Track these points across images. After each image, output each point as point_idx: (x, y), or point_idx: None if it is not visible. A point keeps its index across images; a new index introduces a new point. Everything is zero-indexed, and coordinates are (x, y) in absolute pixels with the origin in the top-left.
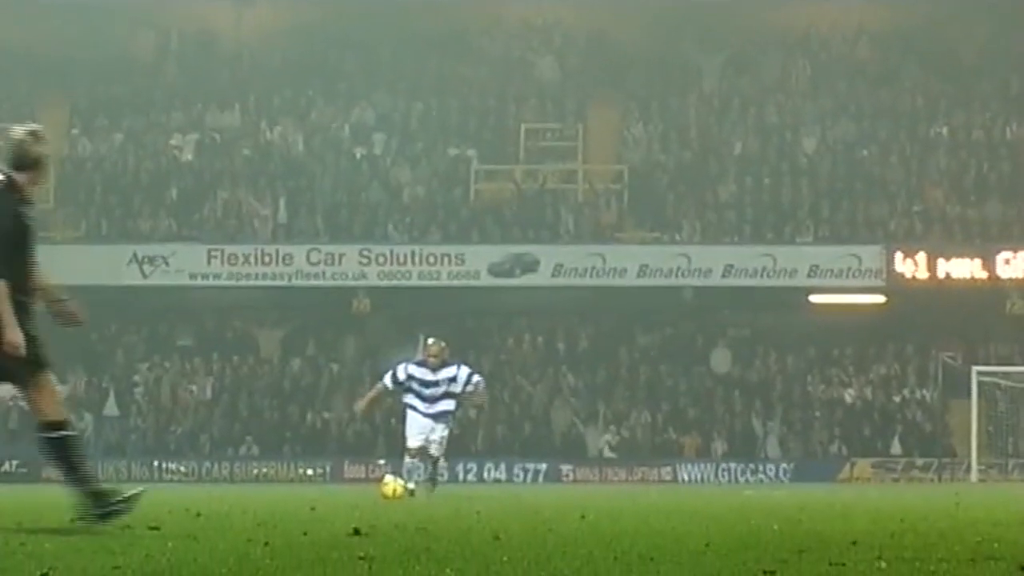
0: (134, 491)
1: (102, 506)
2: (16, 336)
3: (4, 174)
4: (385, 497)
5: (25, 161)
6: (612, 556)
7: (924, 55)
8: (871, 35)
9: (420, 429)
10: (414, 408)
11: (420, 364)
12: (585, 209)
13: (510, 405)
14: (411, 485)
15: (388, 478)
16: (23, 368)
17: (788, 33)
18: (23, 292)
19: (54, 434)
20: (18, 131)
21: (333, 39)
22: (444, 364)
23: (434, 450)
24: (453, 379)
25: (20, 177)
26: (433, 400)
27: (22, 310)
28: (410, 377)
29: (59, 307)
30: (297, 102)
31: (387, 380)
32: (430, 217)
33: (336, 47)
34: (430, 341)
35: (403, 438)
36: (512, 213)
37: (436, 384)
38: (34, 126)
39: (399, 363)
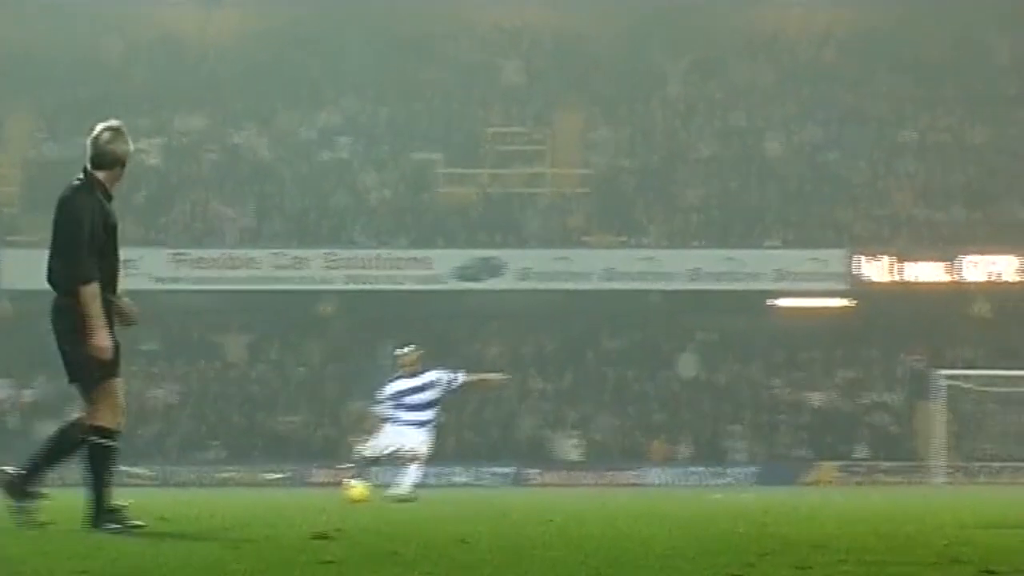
0: (137, 522)
1: (104, 519)
2: (104, 339)
3: (84, 172)
4: (351, 501)
5: (106, 159)
6: (579, 560)
7: (890, 59)
8: (838, 39)
9: (387, 440)
10: (392, 418)
11: (400, 378)
12: (551, 213)
13: (477, 409)
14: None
15: (354, 482)
16: (97, 369)
17: (754, 37)
18: (112, 292)
19: (102, 440)
20: (99, 129)
21: (299, 43)
22: (423, 370)
23: (418, 454)
24: (433, 384)
25: (101, 175)
26: (419, 407)
27: (110, 310)
28: (399, 393)
29: (117, 305)
30: (263, 106)
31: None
32: (396, 221)
33: (302, 51)
34: (405, 350)
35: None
36: (478, 217)
37: (422, 389)
38: (115, 123)
39: (382, 389)
